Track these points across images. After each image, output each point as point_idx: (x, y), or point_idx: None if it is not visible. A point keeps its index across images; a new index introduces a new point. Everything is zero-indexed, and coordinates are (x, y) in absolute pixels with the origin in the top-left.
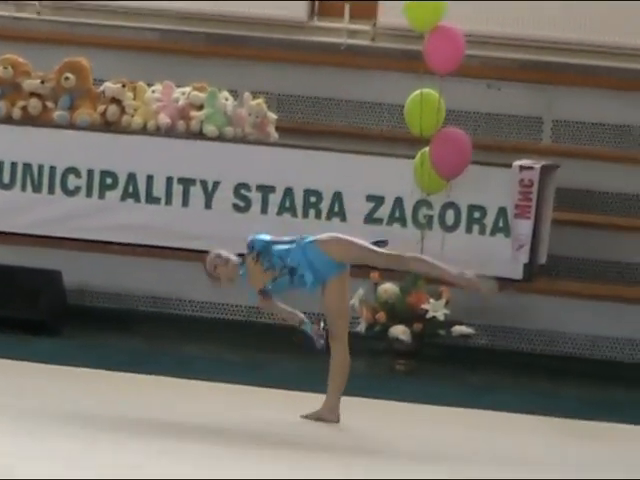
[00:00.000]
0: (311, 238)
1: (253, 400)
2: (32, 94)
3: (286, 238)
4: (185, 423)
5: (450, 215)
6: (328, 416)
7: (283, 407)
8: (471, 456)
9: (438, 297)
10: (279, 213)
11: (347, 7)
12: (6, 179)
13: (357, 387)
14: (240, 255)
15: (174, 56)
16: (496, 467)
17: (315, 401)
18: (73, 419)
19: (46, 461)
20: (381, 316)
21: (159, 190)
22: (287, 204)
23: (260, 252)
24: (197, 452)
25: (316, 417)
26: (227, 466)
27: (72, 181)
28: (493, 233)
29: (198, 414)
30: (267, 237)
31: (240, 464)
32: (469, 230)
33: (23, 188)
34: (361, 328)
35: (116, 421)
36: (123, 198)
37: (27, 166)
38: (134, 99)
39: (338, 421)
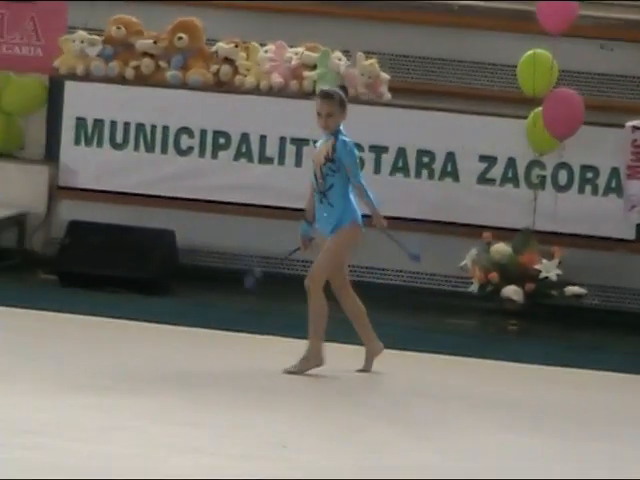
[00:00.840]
0: None
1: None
2: (145, 54)
3: None
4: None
5: (563, 175)
6: (313, 361)
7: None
8: (581, 415)
9: (550, 257)
10: (392, 173)
11: None
12: (119, 139)
13: (468, 346)
14: None
15: (287, 16)
16: (608, 427)
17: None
18: (184, 378)
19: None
20: (493, 276)
21: (272, 150)
22: (400, 164)
23: None
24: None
25: (300, 368)
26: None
27: (185, 141)
28: (605, 193)
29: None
30: None
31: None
32: (581, 190)
33: (136, 148)
34: (473, 288)
35: (226, 379)
36: (236, 158)
37: (140, 126)
38: (247, 59)
39: (322, 364)
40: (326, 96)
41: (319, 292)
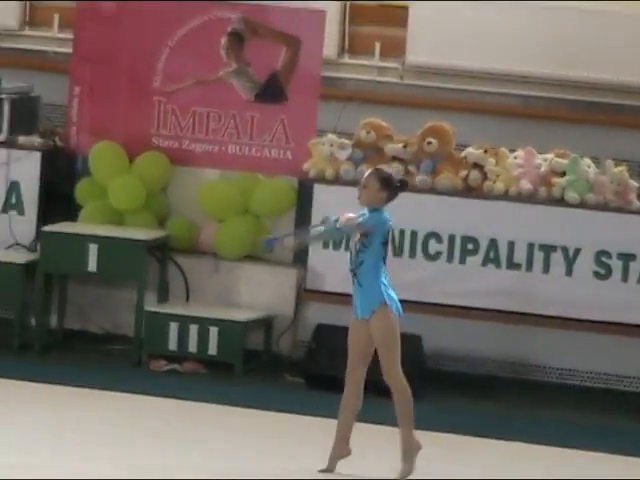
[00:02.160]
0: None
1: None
2: (394, 158)
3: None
4: None
5: None
6: (342, 453)
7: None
8: None
9: None
10: (639, 281)
11: None
12: None
13: None
14: None
15: (536, 122)
16: None
17: None
18: None
19: None
20: None
21: (520, 256)
22: None
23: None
24: None
25: (334, 463)
26: None
27: (433, 246)
28: None
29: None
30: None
31: None
32: None
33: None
34: None
35: None
36: (484, 263)
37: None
38: (496, 165)
39: (350, 452)
40: (371, 171)
41: (402, 383)
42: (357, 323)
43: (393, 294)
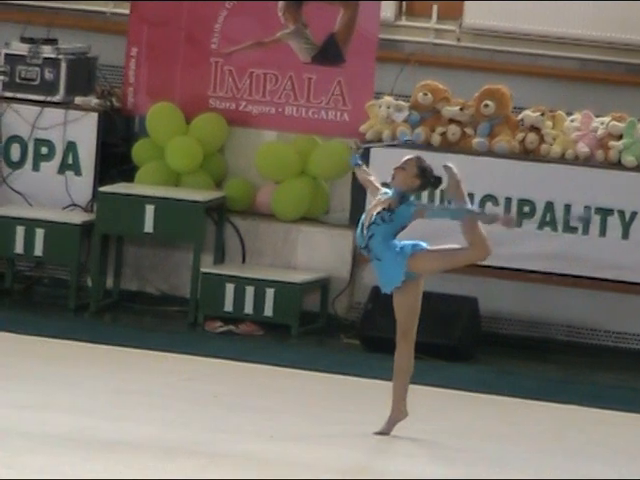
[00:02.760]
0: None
1: None
2: (451, 120)
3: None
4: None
5: None
6: (399, 416)
7: None
8: None
9: None
10: None
11: None
12: None
13: None
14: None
15: (593, 85)
16: None
17: None
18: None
19: None
20: None
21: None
22: None
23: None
24: None
25: (391, 426)
26: None
27: (489, 208)
28: None
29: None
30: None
31: None
32: None
33: None
34: None
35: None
36: (540, 227)
37: (441, 192)
38: (553, 128)
39: (407, 415)
40: (413, 156)
41: (411, 352)
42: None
43: (407, 243)
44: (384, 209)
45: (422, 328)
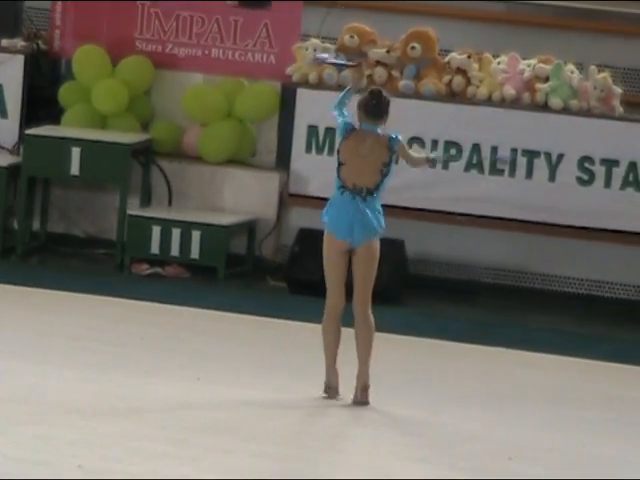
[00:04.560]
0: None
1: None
2: (378, 63)
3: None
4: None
5: None
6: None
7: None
8: None
9: None
10: (622, 187)
11: None
12: None
13: None
14: None
15: (520, 28)
16: None
17: None
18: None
19: None
20: None
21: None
22: (631, 178)
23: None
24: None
25: (364, 394)
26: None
27: (416, 151)
28: None
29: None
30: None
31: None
32: None
33: None
34: None
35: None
36: (467, 169)
37: None
38: (479, 70)
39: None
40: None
41: (372, 320)
42: (339, 245)
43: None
44: (390, 159)
45: (349, 270)
